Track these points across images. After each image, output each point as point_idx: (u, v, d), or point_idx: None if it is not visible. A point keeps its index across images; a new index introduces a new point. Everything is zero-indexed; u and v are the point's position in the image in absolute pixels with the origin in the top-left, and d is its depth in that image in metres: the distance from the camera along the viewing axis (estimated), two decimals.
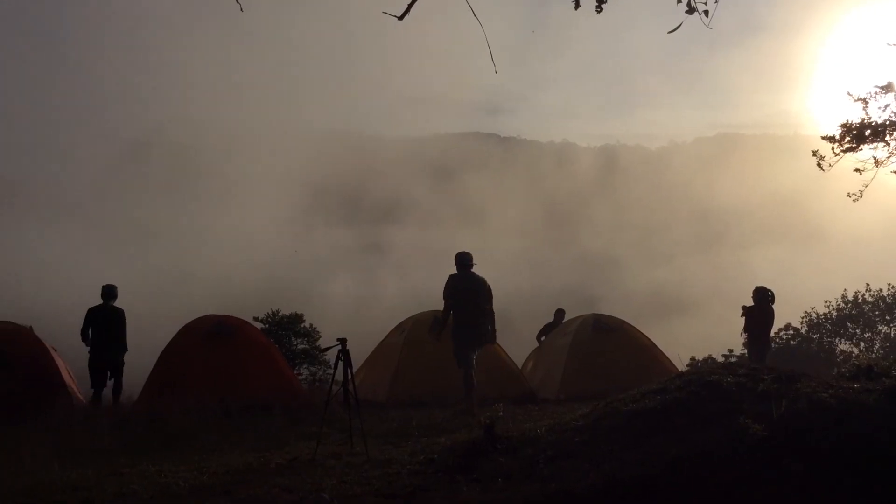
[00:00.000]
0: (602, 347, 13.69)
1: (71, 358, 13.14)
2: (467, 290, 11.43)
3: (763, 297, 13.32)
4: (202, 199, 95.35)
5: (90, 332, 12.27)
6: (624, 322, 14.54)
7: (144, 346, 12.81)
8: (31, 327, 12.96)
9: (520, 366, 14.37)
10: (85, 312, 12.41)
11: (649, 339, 14.27)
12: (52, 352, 12.73)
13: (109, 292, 12.33)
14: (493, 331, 11.69)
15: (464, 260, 11.57)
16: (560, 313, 16.67)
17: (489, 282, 11.63)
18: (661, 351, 14.06)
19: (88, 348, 12.23)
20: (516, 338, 19.72)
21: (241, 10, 3.96)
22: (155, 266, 62.45)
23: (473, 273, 11.62)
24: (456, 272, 11.60)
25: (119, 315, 12.28)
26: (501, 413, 8.08)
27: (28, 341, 12.62)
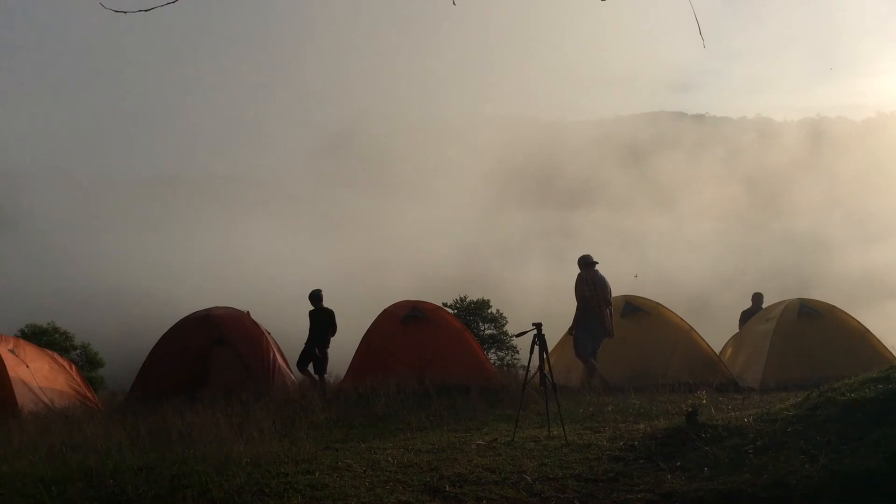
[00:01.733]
0: (809, 333, 12.95)
1: (283, 341, 14.12)
2: (595, 288, 12.59)
3: None
4: (396, 188, 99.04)
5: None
6: (834, 307, 13.62)
7: (346, 329, 13.58)
8: (248, 312, 14.05)
9: (718, 352, 13.83)
10: (302, 310, 13.64)
11: (862, 325, 13.28)
12: (267, 335, 13.74)
13: (316, 296, 13.56)
14: (611, 324, 12.67)
15: (587, 260, 12.88)
16: (758, 297, 15.88)
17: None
18: (875, 337, 13.06)
19: (308, 340, 13.46)
20: (714, 323, 19.03)
21: (454, 3, 4.10)
22: (353, 253, 65.67)
23: (597, 271, 12.81)
24: (581, 272, 12.75)
25: (328, 315, 13.41)
26: (704, 401, 7.82)
27: (246, 325, 13.72)
